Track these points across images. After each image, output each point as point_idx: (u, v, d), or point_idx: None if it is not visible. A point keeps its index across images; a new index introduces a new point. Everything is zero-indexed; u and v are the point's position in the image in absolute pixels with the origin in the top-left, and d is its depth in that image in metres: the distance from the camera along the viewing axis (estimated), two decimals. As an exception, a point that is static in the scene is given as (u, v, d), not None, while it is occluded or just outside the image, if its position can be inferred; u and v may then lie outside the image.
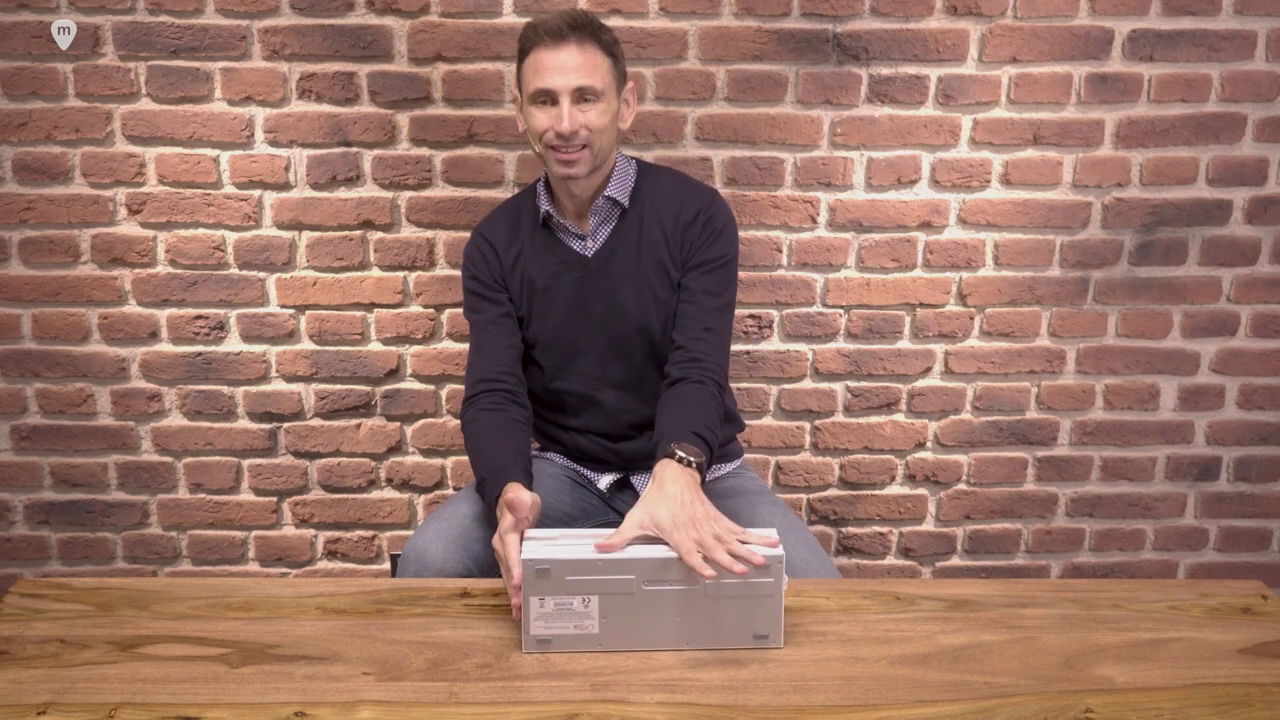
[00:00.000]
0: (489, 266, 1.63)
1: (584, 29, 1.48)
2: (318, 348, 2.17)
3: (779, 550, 1.19)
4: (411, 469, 2.25)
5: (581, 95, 1.48)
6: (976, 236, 2.15)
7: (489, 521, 1.52)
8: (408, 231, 2.12)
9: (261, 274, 2.13)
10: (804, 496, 2.30)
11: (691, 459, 1.34)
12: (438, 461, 2.25)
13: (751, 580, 1.19)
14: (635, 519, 1.24)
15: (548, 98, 1.48)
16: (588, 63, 1.47)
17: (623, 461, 1.68)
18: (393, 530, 2.28)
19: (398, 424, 2.22)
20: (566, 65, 1.46)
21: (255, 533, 2.26)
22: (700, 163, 2.09)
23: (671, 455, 1.35)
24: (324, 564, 2.30)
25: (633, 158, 1.66)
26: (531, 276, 1.61)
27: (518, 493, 1.30)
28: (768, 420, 2.24)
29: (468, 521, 1.50)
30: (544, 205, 1.60)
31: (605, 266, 1.60)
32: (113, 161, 2.06)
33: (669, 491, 1.27)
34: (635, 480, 1.68)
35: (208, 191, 2.08)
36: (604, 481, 1.69)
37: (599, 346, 1.62)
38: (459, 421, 1.81)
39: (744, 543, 1.21)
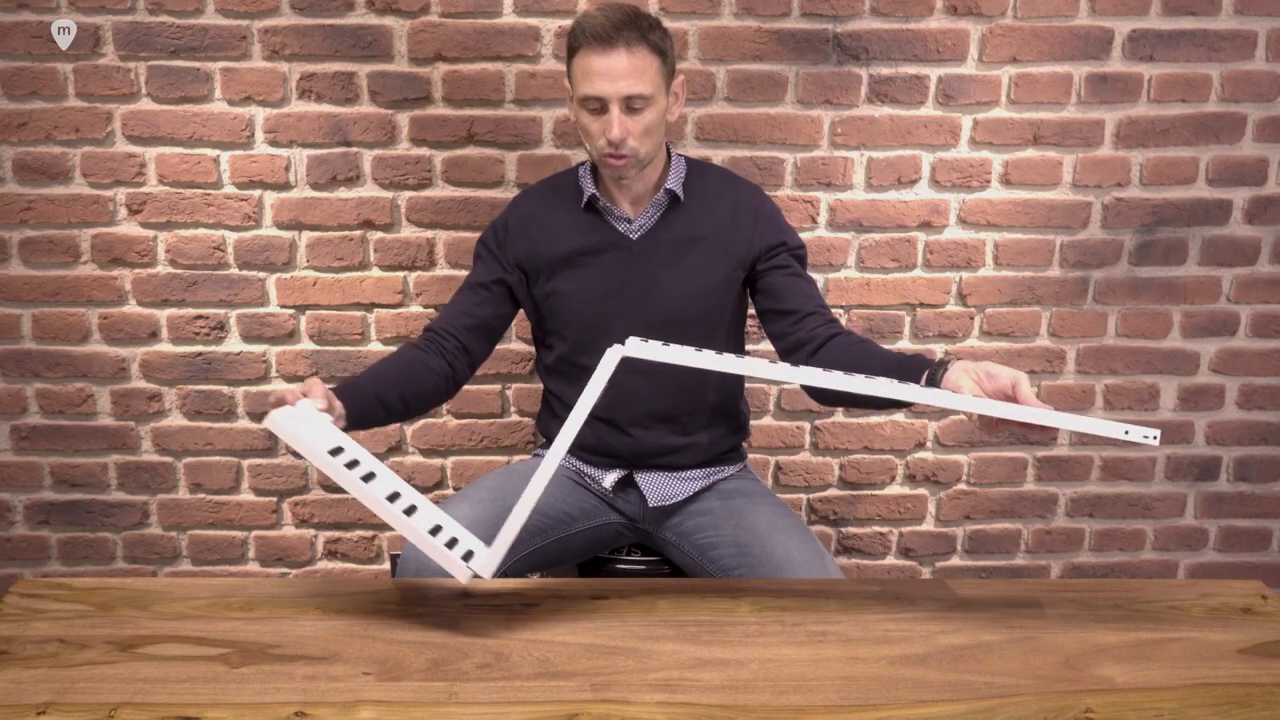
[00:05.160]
0: (511, 239, 1.64)
1: (631, 28, 1.46)
2: (318, 348, 2.17)
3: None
4: (411, 469, 2.25)
5: (630, 103, 1.47)
6: (976, 236, 2.15)
7: (490, 523, 1.52)
8: (408, 231, 2.12)
9: (261, 274, 2.13)
10: (804, 496, 2.30)
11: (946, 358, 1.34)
12: (438, 462, 2.25)
13: None
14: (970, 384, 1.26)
15: (597, 104, 1.48)
16: (636, 68, 1.46)
17: (629, 456, 1.66)
18: (393, 530, 2.28)
19: (397, 424, 2.21)
20: (614, 71, 1.45)
21: (255, 533, 2.26)
22: (700, 163, 2.09)
23: (943, 363, 1.33)
24: (324, 564, 2.30)
25: (681, 155, 1.67)
26: (566, 249, 1.61)
27: (315, 389, 1.34)
28: (767, 420, 2.24)
29: (467, 523, 1.50)
30: (588, 189, 1.61)
31: (649, 250, 1.61)
32: (113, 161, 2.06)
33: (988, 366, 1.28)
34: (640, 478, 1.67)
35: (208, 191, 2.08)
36: (609, 480, 1.67)
37: (631, 329, 1.60)
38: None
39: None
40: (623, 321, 1.61)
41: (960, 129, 2.09)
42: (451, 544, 1.22)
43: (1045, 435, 1.21)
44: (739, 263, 1.61)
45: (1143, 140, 2.11)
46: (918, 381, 1.34)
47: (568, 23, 2.01)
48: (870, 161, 2.11)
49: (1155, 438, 1.15)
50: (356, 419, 1.46)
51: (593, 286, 1.61)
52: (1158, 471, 2.30)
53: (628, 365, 1.63)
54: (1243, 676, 1.13)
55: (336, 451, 1.23)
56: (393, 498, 1.22)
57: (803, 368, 1.21)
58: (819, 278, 2.16)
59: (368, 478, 1.22)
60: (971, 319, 2.20)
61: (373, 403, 1.49)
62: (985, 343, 2.21)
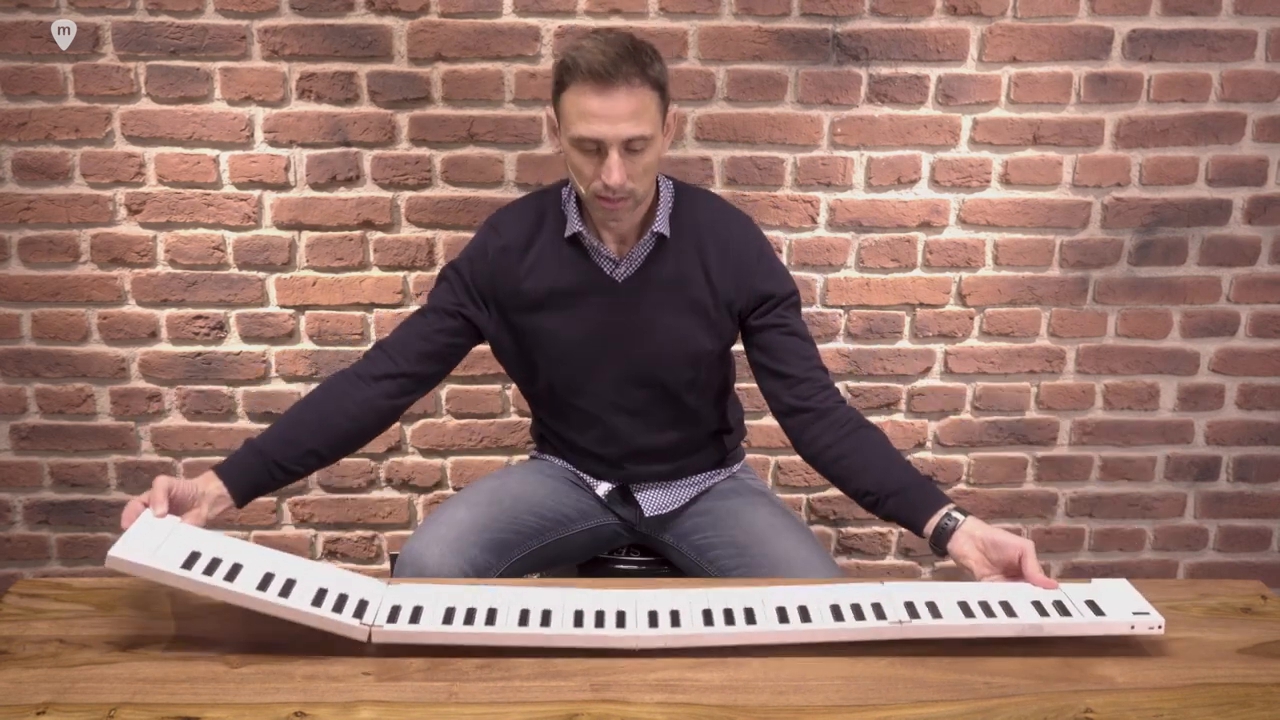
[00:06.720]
0: (487, 270, 1.53)
1: (631, 63, 1.34)
2: (317, 348, 2.17)
3: None
4: (411, 469, 2.25)
5: (630, 145, 1.36)
6: (976, 236, 2.15)
7: (486, 526, 1.52)
8: (407, 231, 2.12)
9: (261, 274, 2.13)
10: (804, 496, 2.30)
11: (957, 511, 1.35)
12: (437, 462, 2.25)
13: None
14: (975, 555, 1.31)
15: (594, 145, 1.36)
16: (637, 108, 1.35)
17: (623, 479, 1.65)
18: (392, 530, 2.28)
19: (397, 424, 2.21)
20: (616, 114, 1.34)
21: (255, 533, 2.26)
22: (700, 163, 2.09)
23: (953, 516, 1.34)
24: (324, 564, 2.29)
25: (670, 178, 1.58)
26: (549, 287, 1.52)
27: (174, 487, 1.28)
28: (768, 420, 2.24)
29: (464, 526, 1.50)
30: (574, 225, 1.49)
31: (636, 293, 1.52)
32: (112, 161, 2.06)
33: (995, 536, 1.30)
34: (637, 492, 1.65)
35: (208, 191, 2.08)
36: (602, 489, 1.66)
37: (618, 371, 1.55)
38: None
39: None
40: (607, 363, 1.55)
41: (960, 129, 2.09)
42: (340, 603, 1.17)
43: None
44: (727, 305, 1.54)
45: (1142, 140, 2.11)
46: (922, 523, 1.35)
47: (568, 23, 2.01)
48: (870, 161, 2.11)
49: (1161, 627, 1.17)
50: (250, 491, 1.40)
51: (576, 328, 1.53)
52: (1157, 471, 2.30)
53: (617, 407, 1.61)
54: (1243, 676, 1.13)
55: (191, 561, 1.17)
56: (265, 583, 1.17)
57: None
58: (819, 278, 2.16)
59: (232, 575, 1.17)
60: (971, 319, 2.20)
61: (271, 469, 1.42)
62: (985, 343, 2.21)
